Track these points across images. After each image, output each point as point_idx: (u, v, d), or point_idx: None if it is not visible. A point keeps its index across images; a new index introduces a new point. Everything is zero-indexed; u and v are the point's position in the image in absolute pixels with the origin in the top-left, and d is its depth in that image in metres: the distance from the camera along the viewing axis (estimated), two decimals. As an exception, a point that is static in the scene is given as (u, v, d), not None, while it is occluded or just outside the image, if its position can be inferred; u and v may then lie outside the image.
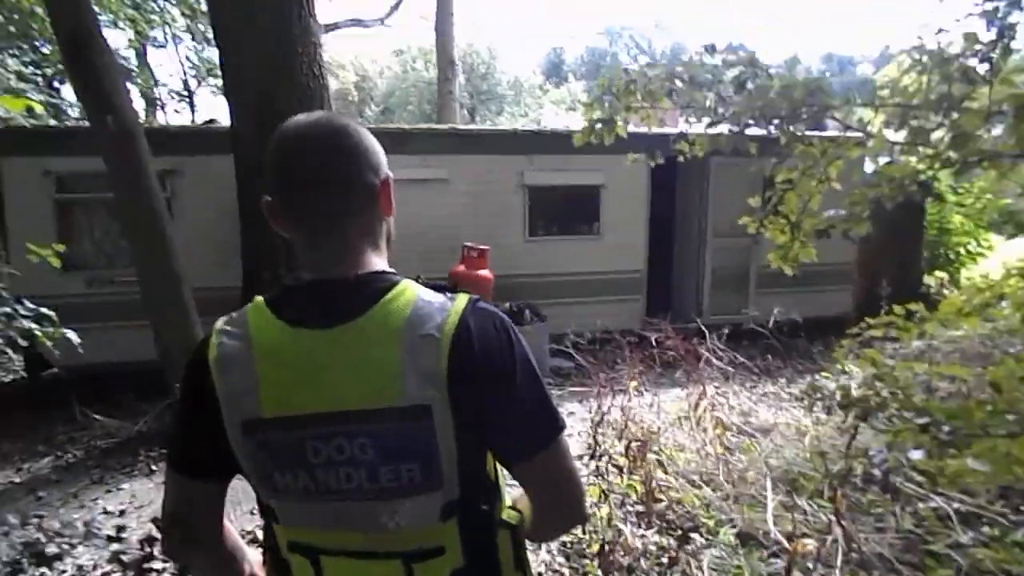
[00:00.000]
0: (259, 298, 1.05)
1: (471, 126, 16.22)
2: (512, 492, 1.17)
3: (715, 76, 2.88)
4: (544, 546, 3.35)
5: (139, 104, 16.14)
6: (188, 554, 1.17)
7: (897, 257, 9.12)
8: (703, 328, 5.44)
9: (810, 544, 2.78)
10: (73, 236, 6.77)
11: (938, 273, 11.10)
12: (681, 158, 3.60)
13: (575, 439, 4.94)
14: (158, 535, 2.81)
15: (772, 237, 3.21)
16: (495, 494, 1.11)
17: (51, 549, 3.63)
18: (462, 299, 1.01)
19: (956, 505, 3.26)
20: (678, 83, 2.93)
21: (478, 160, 7.72)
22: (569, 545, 3.38)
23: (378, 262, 1.08)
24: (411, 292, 1.00)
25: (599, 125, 3.53)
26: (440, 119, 15.56)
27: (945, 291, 10.47)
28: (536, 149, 7.90)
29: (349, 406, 0.95)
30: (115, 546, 3.59)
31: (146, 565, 2.86)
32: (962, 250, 11.10)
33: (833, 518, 2.90)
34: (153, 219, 5.07)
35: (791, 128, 2.74)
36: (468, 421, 0.97)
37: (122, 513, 4.28)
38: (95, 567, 3.52)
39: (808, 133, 2.96)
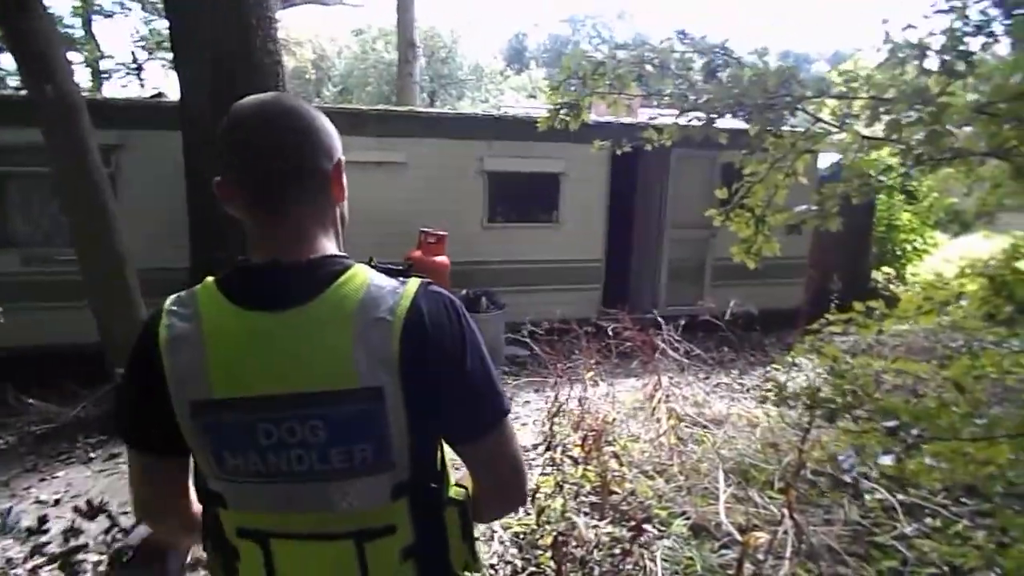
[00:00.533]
0: (209, 279, 1.04)
1: (431, 109, 15.97)
2: (456, 472, 1.19)
3: (685, 63, 2.85)
4: (496, 538, 3.32)
5: (85, 76, 15.48)
6: (153, 524, 1.22)
7: (848, 252, 9.33)
8: (659, 319, 5.46)
9: (762, 537, 2.79)
10: (8, 211, 6.45)
11: (885, 268, 11.41)
12: (648, 147, 3.56)
13: (530, 428, 4.91)
14: (82, 527, 2.67)
15: (736, 230, 3.19)
16: (443, 473, 1.13)
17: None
18: (414, 283, 1.02)
19: (901, 497, 3.33)
20: (648, 68, 2.88)
21: (437, 144, 7.57)
22: (522, 536, 3.34)
23: (330, 246, 1.08)
24: (363, 276, 1.01)
25: (563, 110, 3.46)
26: (399, 102, 15.25)
27: (892, 286, 10.78)
28: (497, 135, 7.79)
29: (301, 388, 0.96)
30: (39, 538, 3.39)
31: (73, 558, 2.70)
32: (908, 247, 11.42)
33: (785, 511, 2.92)
34: (94, 195, 4.83)
35: (765, 117, 2.72)
36: (419, 403, 0.99)
37: (56, 503, 4.09)
38: (11, 562, 3.32)
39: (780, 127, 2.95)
